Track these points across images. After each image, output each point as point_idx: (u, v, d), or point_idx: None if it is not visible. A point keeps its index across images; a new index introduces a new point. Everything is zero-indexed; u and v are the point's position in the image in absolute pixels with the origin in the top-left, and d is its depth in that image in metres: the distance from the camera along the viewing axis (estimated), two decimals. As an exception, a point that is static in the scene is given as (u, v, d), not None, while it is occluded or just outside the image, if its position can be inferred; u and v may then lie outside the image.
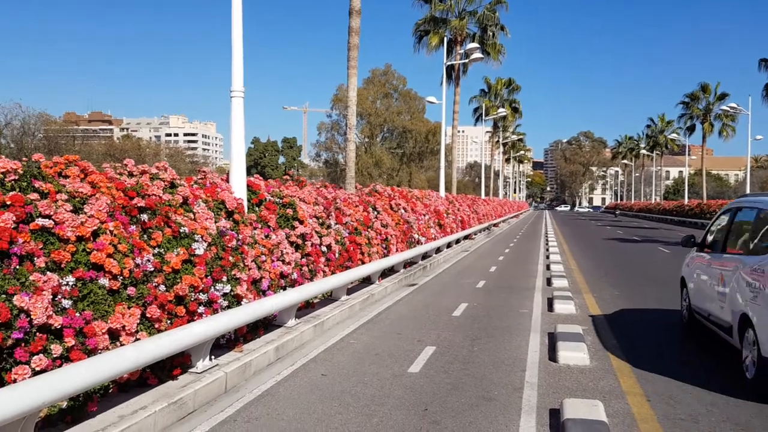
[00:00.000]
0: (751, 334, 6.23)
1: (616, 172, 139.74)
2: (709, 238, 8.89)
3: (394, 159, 73.88)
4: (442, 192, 27.72)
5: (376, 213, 14.47)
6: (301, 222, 9.90)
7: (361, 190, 17.59)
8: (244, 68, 8.95)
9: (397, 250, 14.64)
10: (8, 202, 5.12)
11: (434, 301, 11.98)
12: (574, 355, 7.47)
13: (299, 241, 9.66)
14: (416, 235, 17.03)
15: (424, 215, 18.99)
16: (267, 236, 8.70)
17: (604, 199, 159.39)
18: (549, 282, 14.47)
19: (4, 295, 4.39)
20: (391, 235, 14.50)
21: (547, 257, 20.80)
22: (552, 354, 7.71)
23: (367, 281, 12.58)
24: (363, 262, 12.15)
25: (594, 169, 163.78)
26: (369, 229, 13.27)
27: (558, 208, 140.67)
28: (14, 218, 4.91)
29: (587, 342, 8.14)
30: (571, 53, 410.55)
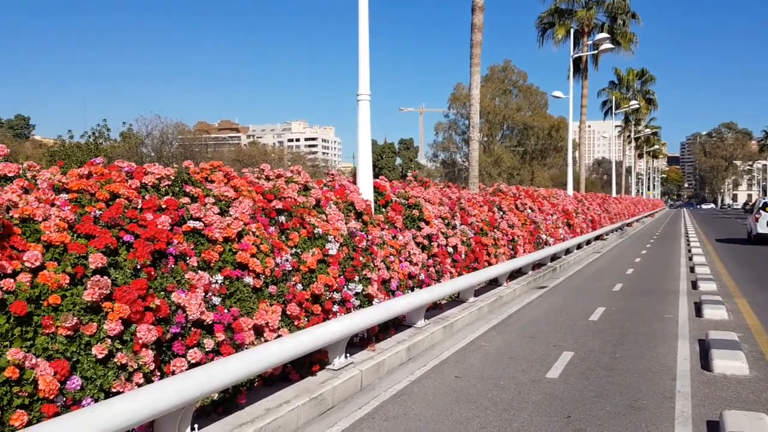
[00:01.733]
0: None
1: (765, 165, 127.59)
2: None
3: (514, 157, 72.25)
4: (570, 190, 26.73)
5: (501, 213, 14.25)
6: (427, 223, 9.97)
7: (485, 189, 17.39)
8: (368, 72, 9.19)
9: (524, 252, 14.31)
10: (164, 206, 5.62)
11: (568, 304, 11.57)
12: (730, 363, 6.91)
13: (425, 242, 9.73)
14: (544, 236, 16.55)
15: (552, 215, 18.41)
16: (394, 237, 8.86)
17: (750, 195, 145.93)
18: (695, 285, 13.47)
19: (163, 293, 4.81)
20: (518, 236, 14.20)
21: (690, 258, 19.38)
22: (705, 362, 7.18)
23: (494, 283, 12.41)
24: (489, 264, 12.00)
25: (738, 163, 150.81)
26: (495, 230, 13.09)
27: (702, 206, 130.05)
28: (170, 221, 5.37)
29: (744, 350, 7.49)
30: (709, 38, 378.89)
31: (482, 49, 19.01)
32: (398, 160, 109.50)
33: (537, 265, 15.49)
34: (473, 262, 11.41)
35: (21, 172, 5.28)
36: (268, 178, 7.63)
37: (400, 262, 8.69)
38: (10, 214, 4.44)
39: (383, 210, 9.35)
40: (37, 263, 4.16)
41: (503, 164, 68.95)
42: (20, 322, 3.85)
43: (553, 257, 17.13)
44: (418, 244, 9.51)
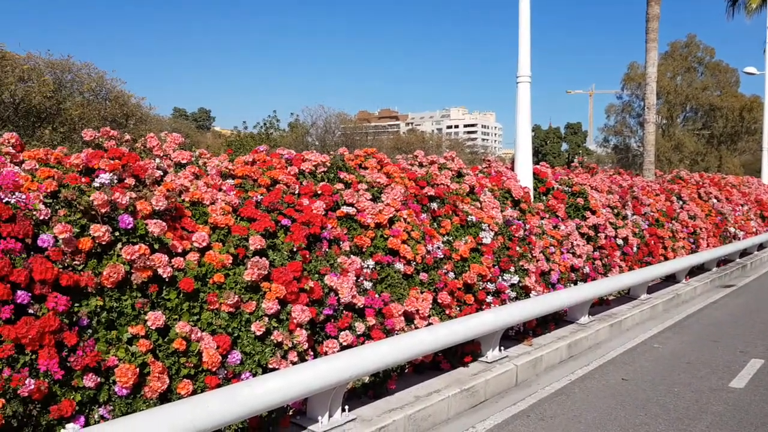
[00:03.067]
0: None
1: None
2: None
3: (698, 142, 66.00)
4: (765, 178, 23.84)
5: (681, 203, 13.08)
6: (593, 212, 9.42)
7: (662, 177, 16.08)
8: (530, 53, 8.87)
9: (707, 246, 13.00)
10: (319, 192, 5.86)
11: (761, 306, 10.31)
12: None
13: (591, 233, 9.20)
14: (732, 229, 14.91)
15: (742, 205, 16.53)
16: (555, 227, 8.48)
17: None
18: None
19: (317, 275, 5.02)
20: (700, 228, 12.94)
21: None
22: None
23: (670, 279, 11.42)
24: (665, 258, 11.07)
25: None
26: (672, 221, 12.04)
27: None
28: (324, 206, 5.58)
29: None
30: None
31: (660, 23, 17.52)
32: (564, 146, 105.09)
33: (723, 262, 14.01)
34: (647, 256, 10.60)
35: (193, 159, 5.80)
36: (421, 165, 7.67)
37: (562, 253, 8.30)
38: (182, 198, 4.89)
39: (543, 198, 8.99)
40: (204, 244, 4.53)
41: (685, 149, 63.29)
42: (188, 297, 4.22)
43: (743, 253, 15.38)
44: (582, 234, 9.02)
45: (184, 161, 5.63)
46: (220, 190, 5.30)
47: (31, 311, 3.46)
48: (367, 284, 5.38)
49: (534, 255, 7.61)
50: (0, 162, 4.22)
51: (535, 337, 7.17)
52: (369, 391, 5.07)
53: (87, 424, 3.50)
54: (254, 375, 4.23)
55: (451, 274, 6.22)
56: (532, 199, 8.53)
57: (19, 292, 3.41)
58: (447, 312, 5.99)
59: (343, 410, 4.44)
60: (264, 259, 4.57)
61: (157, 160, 5.38)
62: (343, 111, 48.49)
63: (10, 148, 4.67)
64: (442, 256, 6.22)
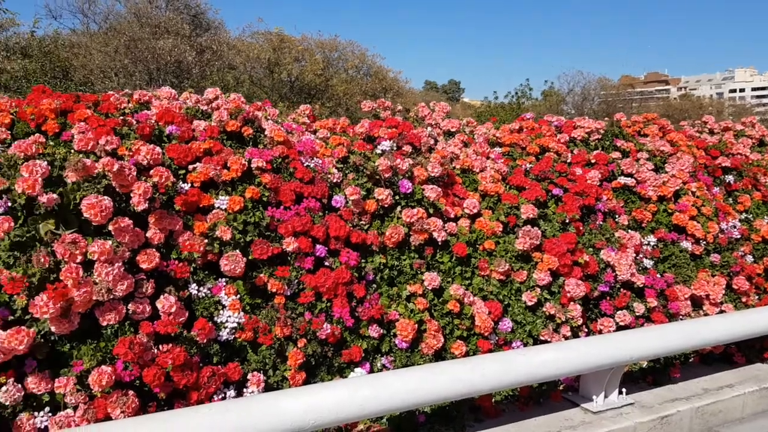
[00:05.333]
0: None
1: None
2: None
3: None
4: None
5: None
6: None
7: None
8: None
9: None
10: (593, 161, 5.70)
11: None
12: None
13: None
14: None
15: None
16: None
17: None
18: None
19: (591, 249, 4.91)
20: None
21: None
22: None
23: None
24: None
25: None
26: None
27: None
28: (599, 176, 5.41)
29: None
30: None
31: None
32: None
33: None
34: None
35: (461, 127, 6.04)
36: (711, 132, 6.99)
37: None
38: (453, 165, 5.14)
39: None
40: (475, 210, 4.74)
41: None
42: (460, 262, 4.46)
43: None
44: None
45: (453, 129, 5.90)
46: (488, 158, 5.45)
47: (326, 264, 3.97)
48: (648, 262, 5.11)
49: None
50: (299, 131, 4.86)
51: None
52: (647, 377, 4.85)
53: (371, 370, 3.92)
54: (525, 345, 4.33)
55: (750, 258, 5.61)
56: None
57: (317, 246, 3.93)
58: (743, 300, 5.42)
59: (620, 393, 4.32)
60: (536, 228, 4.61)
61: (429, 128, 5.72)
62: (604, 76, 45.93)
63: (305, 118, 5.35)
64: (738, 236, 5.63)
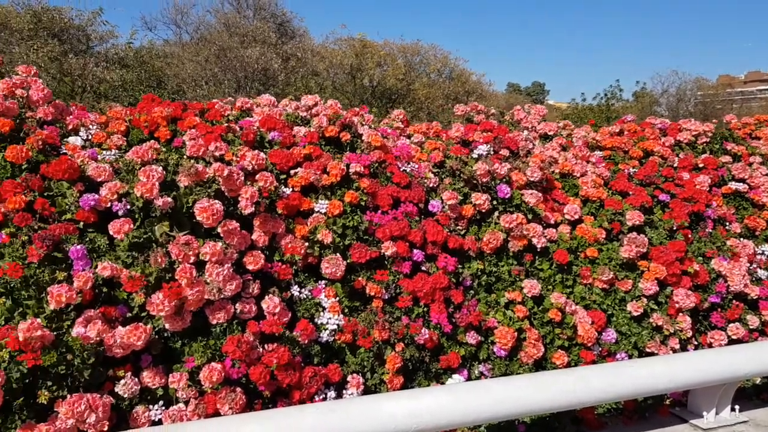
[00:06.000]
0: None
1: None
2: None
3: None
4: None
5: None
6: None
7: None
8: None
9: None
10: (701, 165, 5.47)
11: None
12: None
13: None
14: None
15: None
16: None
17: None
18: None
19: (701, 258, 4.70)
20: None
21: None
22: None
23: None
24: None
25: None
26: None
27: None
28: (709, 181, 5.19)
29: None
30: None
31: None
32: None
33: None
34: None
35: (558, 131, 5.93)
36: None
37: None
38: (552, 169, 5.05)
39: None
40: (576, 216, 4.64)
41: None
42: (560, 269, 4.38)
43: None
44: None
45: (551, 132, 5.80)
46: (588, 161, 5.33)
47: (423, 268, 3.98)
48: (762, 273, 4.85)
49: None
50: (393, 135, 4.92)
51: None
52: (762, 393, 4.60)
53: (469, 377, 3.91)
54: (630, 357, 4.20)
55: None
56: None
57: (414, 251, 3.95)
58: None
59: (732, 409, 4.11)
60: (642, 236, 4.46)
61: (525, 132, 5.65)
62: (702, 76, 43.86)
63: (399, 123, 5.41)
64: None
